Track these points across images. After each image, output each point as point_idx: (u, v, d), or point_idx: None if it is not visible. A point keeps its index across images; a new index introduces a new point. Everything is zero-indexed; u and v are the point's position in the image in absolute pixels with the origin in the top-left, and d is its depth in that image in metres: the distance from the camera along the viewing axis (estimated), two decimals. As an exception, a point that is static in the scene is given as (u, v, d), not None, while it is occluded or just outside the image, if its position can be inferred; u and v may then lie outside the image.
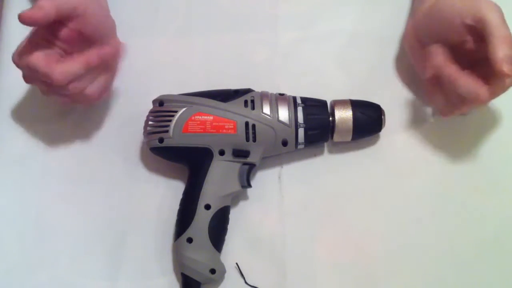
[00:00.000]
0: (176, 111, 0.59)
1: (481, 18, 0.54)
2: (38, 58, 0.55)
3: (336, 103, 0.61)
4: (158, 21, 0.71)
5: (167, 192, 0.63)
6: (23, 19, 0.53)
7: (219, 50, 0.69)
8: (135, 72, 0.68)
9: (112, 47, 0.60)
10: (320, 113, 0.60)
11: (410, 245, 0.61)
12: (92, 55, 0.58)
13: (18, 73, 0.58)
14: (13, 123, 0.66)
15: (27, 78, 0.58)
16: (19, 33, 0.69)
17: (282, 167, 0.64)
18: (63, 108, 0.66)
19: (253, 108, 0.59)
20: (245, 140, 0.59)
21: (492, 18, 0.54)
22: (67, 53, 0.58)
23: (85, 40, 0.59)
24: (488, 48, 0.53)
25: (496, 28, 0.53)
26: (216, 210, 0.58)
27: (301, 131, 0.60)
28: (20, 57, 0.56)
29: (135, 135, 0.64)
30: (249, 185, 0.61)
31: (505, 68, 0.52)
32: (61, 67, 0.55)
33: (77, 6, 0.57)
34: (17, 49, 0.57)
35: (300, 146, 0.61)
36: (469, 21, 0.55)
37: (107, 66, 0.62)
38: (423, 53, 0.61)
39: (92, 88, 0.60)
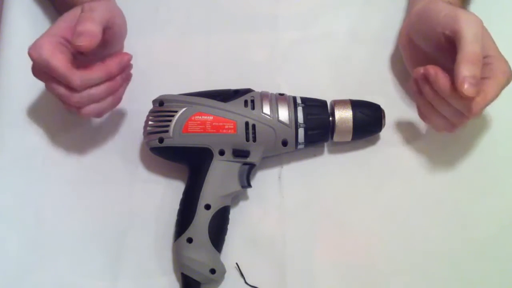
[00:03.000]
0: (176, 111, 0.59)
1: (457, 30, 0.54)
2: (60, 60, 0.55)
3: (336, 103, 0.61)
4: (158, 21, 0.71)
5: (167, 192, 0.63)
6: (84, 49, 0.53)
7: (219, 50, 0.69)
8: (135, 72, 0.68)
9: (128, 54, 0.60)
10: (320, 113, 0.60)
11: (410, 244, 0.61)
12: (112, 64, 0.58)
13: (19, 73, 0.57)
14: (13, 123, 0.66)
15: (36, 72, 0.57)
16: (19, 33, 0.70)
17: (282, 167, 0.64)
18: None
19: (253, 108, 0.59)
20: (245, 140, 0.59)
21: (466, 32, 0.53)
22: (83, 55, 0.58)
23: (103, 46, 0.59)
24: (455, 63, 0.53)
25: (468, 44, 0.52)
26: (216, 210, 0.58)
27: (301, 131, 0.60)
28: (38, 53, 0.55)
29: (135, 135, 0.64)
30: (249, 185, 0.61)
31: (464, 88, 0.51)
32: (82, 72, 0.55)
33: (109, 19, 0.57)
34: (34, 43, 0.56)
35: (300, 146, 0.61)
36: (447, 32, 0.55)
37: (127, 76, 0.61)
38: (414, 52, 0.62)
39: (103, 104, 0.59)
